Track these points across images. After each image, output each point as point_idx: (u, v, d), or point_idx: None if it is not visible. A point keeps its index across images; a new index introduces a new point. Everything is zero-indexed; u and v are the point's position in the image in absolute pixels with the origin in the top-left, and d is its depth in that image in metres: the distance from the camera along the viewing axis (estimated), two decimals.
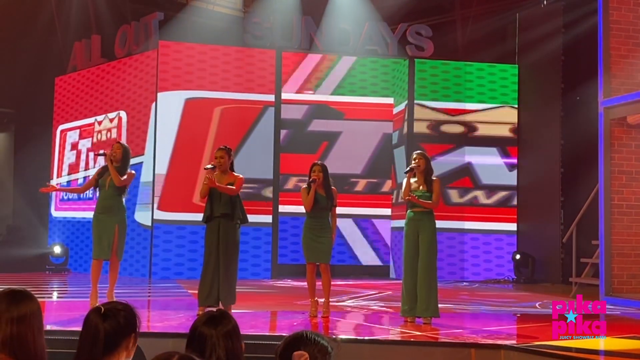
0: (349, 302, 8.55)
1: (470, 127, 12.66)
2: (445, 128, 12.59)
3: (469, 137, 12.63)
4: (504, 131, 12.72)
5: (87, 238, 12.60)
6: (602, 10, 8.89)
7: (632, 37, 8.94)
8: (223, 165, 6.92)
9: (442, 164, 12.05)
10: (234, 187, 6.83)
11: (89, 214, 11.77)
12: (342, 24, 13.04)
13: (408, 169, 6.87)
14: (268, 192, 11.95)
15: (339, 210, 7.59)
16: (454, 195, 12.49)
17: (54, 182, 13.56)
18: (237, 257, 6.96)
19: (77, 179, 13.06)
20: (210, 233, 6.89)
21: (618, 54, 8.85)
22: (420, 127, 12.43)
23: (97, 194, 7.45)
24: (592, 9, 9.76)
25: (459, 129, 12.62)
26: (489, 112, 12.69)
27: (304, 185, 7.20)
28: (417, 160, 6.84)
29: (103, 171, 7.39)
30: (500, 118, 12.75)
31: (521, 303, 9.02)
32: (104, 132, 12.83)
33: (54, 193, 13.44)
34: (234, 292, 6.90)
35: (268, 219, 11.92)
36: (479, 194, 12.57)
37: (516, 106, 12.79)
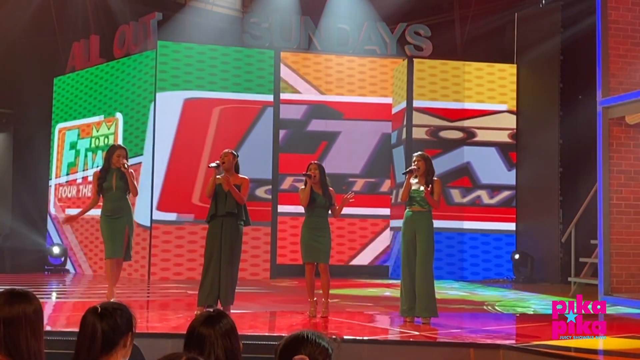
0: (348, 302, 8.54)
1: (469, 132, 12.64)
2: (444, 134, 12.57)
3: (468, 143, 12.61)
4: (503, 137, 12.69)
5: (86, 238, 12.60)
6: (600, 10, 8.89)
7: (630, 36, 8.95)
8: (227, 164, 6.91)
9: (441, 163, 12.04)
10: (242, 193, 6.84)
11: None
12: (340, 23, 13.04)
13: (407, 170, 6.87)
14: (261, 192, 11.91)
15: None
16: (456, 195, 12.47)
17: (52, 182, 13.56)
18: (239, 256, 6.95)
19: (76, 178, 13.04)
20: (212, 231, 6.87)
21: (616, 54, 8.85)
22: (418, 133, 12.39)
23: (104, 196, 7.43)
24: (590, 9, 9.76)
25: (457, 134, 12.60)
26: (488, 117, 12.66)
27: (302, 186, 7.21)
28: (416, 163, 6.84)
29: (102, 175, 7.37)
30: (499, 124, 12.71)
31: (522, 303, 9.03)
32: (101, 138, 12.80)
33: (52, 193, 13.48)
34: (233, 292, 6.89)
35: (267, 218, 11.90)
36: (482, 194, 12.55)
37: (515, 111, 12.77)
